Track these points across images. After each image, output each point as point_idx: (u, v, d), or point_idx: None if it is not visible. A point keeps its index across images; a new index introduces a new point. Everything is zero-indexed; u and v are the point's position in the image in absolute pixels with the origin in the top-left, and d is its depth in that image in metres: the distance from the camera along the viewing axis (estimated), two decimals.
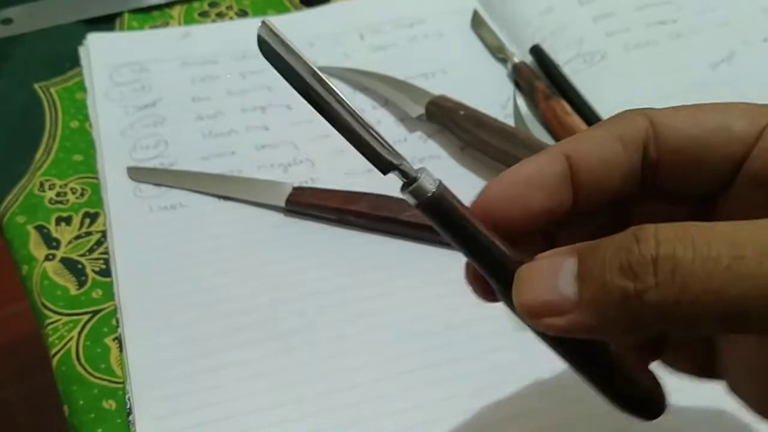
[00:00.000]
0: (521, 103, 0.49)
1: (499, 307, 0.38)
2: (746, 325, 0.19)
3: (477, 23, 0.54)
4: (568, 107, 0.47)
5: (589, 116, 0.46)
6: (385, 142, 0.23)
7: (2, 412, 0.98)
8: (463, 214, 0.23)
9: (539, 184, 0.24)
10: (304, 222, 0.42)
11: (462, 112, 0.45)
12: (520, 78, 0.50)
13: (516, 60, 0.51)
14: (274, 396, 0.35)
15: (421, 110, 0.47)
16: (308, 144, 0.47)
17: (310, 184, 0.44)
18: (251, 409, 0.35)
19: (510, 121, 0.47)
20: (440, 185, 0.23)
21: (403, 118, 0.48)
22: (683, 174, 0.24)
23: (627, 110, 0.25)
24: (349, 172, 0.45)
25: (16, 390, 1.00)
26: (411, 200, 0.23)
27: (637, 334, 0.25)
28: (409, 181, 0.23)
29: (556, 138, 0.46)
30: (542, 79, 0.49)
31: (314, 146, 0.47)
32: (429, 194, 0.23)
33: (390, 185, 0.43)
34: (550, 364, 0.36)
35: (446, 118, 0.46)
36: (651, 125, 0.24)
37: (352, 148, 0.49)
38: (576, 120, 0.46)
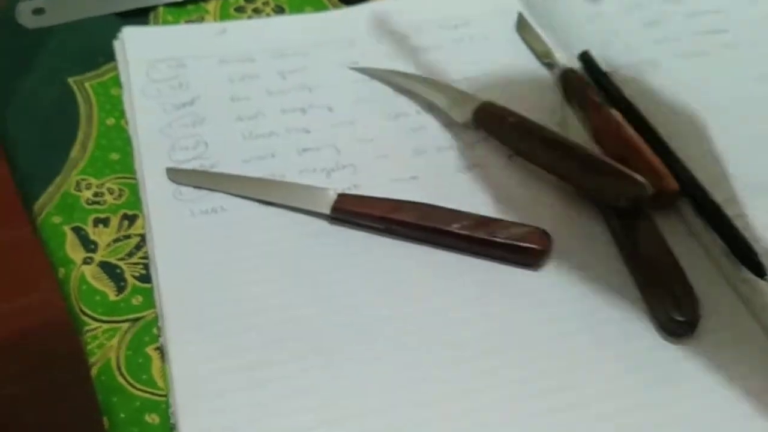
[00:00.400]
0: (570, 111, 0.47)
1: (544, 330, 0.37)
2: None
3: (522, 26, 0.53)
4: (620, 118, 0.45)
5: (640, 127, 0.45)
6: None
7: (9, 408, 0.97)
8: None
9: None
10: (349, 231, 0.41)
11: (511, 120, 0.44)
12: (568, 85, 0.48)
13: (564, 66, 0.49)
14: (322, 413, 0.34)
15: (468, 116, 0.46)
16: (351, 148, 0.45)
17: (353, 191, 0.43)
18: (300, 426, 0.33)
19: (557, 130, 0.46)
20: None
21: (448, 124, 0.47)
22: None
23: None
24: (394, 178, 0.44)
25: (21, 386, 0.99)
26: None
27: None
28: None
29: (607, 150, 0.44)
30: (592, 87, 0.48)
31: (357, 150, 0.45)
32: None
33: (436, 194, 0.42)
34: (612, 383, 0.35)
35: (495, 126, 0.45)
36: None
37: (395, 153, 0.48)
38: (631, 132, 0.44)
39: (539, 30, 0.52)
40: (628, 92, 0.47)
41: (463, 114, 0.46)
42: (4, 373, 0.98)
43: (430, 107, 0.48)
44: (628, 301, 0.39)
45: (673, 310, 0.36)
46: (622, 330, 0.37)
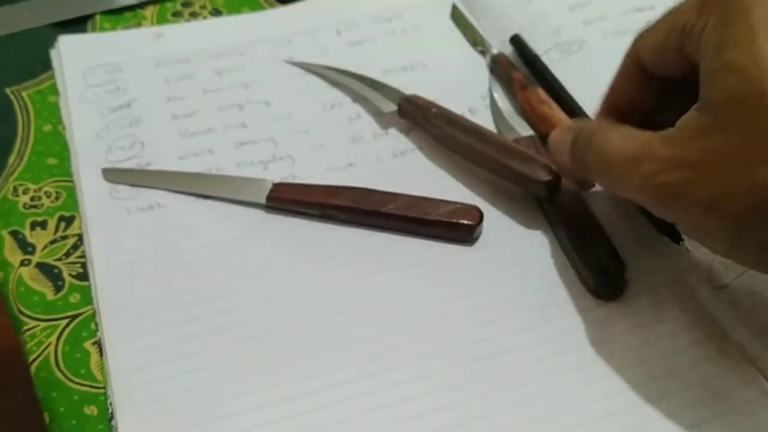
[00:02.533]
0: (498, 94, 0.49)
1: (477, 299, 0.38)
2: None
3: (456, 16, 0.54)
4: (543, 95, 0.46)
5: (569, 104, 0.46)
6: None
7: None
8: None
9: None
10: (286, 218, 0.42)
11: (434, 111, 0.45)
12: (497, 69, 0.49)
13: (495, 51, 0.50)
14: (259, 396, 0.34)
15: (394, 107, 0.46)
16: (288, 140, 0.46)
17: (291, 181, 0.44)
18: (237, 410, 0.34)
19: (489, 113, 0.47)
20: None
21: (379, 113, 0.48)
22: None
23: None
24: (331, 167, 0.45)
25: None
26: None
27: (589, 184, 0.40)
28: None
29: (535, 128, 0.45)
30: (519, 69, 0.49)
31: (294, 142, 0.46)
32: None
33: (373, 179, 0.43)
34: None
35: (419, 116, 0.45)
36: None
37: (332, 142, 0.48)
38: (552, 107, 0.45)
39: (473, 19, 0.54)
40: (556, 72, 0.48)
41: (389, 106, 0.46)
42: None
43: (363, 99, 0.49)
44: (560, 269, 0.39)
45: (600, 275, 0.37)
46: (554, 296, 0.38)
